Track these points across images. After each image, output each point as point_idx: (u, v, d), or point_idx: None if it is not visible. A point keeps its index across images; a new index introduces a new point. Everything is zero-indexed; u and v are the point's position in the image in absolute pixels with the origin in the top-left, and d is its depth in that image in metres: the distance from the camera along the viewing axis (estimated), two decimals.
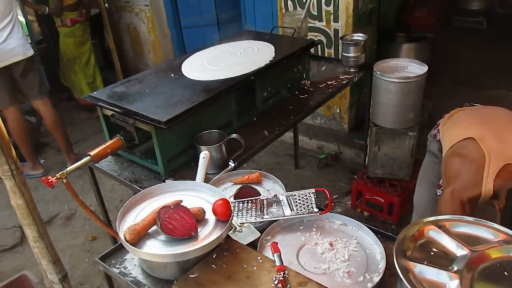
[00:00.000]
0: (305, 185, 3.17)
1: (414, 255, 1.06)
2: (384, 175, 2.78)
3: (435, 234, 1.10)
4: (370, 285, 1.17)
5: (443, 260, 1.04)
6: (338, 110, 3.54)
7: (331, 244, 1.33)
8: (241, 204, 1.48)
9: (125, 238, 1.18)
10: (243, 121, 2.13)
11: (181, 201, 1.30)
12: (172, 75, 2.09)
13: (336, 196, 3.05)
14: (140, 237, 1.20)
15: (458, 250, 1.05)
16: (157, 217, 1.20)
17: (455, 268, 1.01)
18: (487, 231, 1.10)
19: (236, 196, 1.52)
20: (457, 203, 1.40)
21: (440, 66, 4.28)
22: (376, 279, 1.18)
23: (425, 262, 1.03)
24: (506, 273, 0.99)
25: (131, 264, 1.34)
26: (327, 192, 1.45)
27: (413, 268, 1.01)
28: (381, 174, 2.78)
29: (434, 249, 1.07)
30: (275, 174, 1.62)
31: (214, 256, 1.23)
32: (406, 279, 0.96)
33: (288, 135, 3.50)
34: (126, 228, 1.19)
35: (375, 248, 1.31)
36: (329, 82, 2.53)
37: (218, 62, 2.18)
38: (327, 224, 1.44)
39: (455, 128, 1.67)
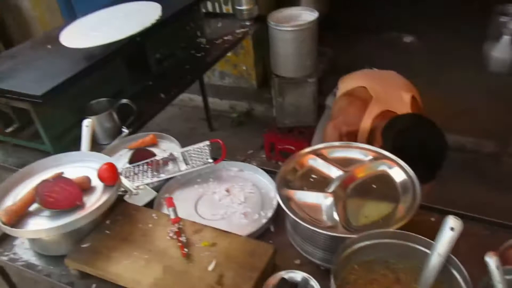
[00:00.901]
0: None
1: (295, 184, 1.11)
2: (292, 123, 2.88)
3: (313, 162, 1.17)
4: (264, 220, 1.22)
5: (321, 184, 1.11)
6: (244, 68, 3.55)
7: (227, 190, 1.36)
8: (136, 168, 1.44)
9: (1, 221, 1.10)
10: (138, 86, 2.05)
11: (62, 173, 1.23)
12: (49, 46, 1.92)
13: (252, 151, 3.11)
14: (18, 217, 1.11)
15: (334, 173, 1.13)
16: (35, 193, 1.13)
17: (331, 189, 1.08)
18: (359, 152, 1.19)
19: (131, 161, 1.48)
20: (336, 135, 1.54)
21: (339, 14, 4.43)
22: (270, 214, 1.23)
23: (305, 188, 1.09)
24: (374, 186, 1.08)
25: (21, 249, 1.26)
26: (220, 142, 1.46)
27: (293, 195, 1.06)
28: (289, 123, 2.88)
29: (313, 176, 1.14)
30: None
31: (107, 222, 1.20)
32: (286, 206, 1.02)
33: (200, 99, 3.45)
34: (1, 211, 1.10)
35: (270, 187, 1.36)
36: (225, 38, 2.51)
37: (100, 27, 2.04)
38: (224, 172, 1.46)
39: (351, 80, 1.85)
